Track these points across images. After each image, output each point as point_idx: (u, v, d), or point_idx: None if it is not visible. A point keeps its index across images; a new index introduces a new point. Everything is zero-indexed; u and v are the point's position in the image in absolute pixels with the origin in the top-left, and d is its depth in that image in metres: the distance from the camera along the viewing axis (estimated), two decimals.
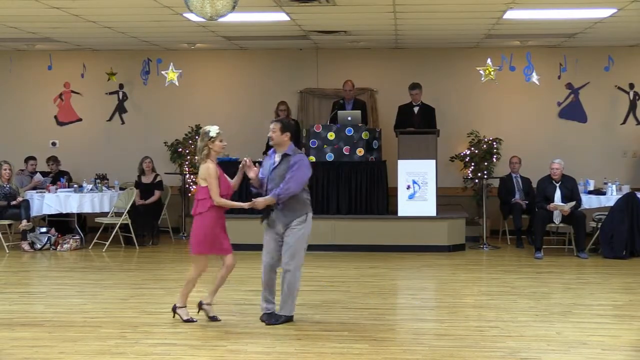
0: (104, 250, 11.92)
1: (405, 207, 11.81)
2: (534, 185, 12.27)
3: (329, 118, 12.79)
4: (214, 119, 14.06)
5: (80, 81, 14.51)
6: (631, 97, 13.85)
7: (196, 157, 7.35)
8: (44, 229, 12.23)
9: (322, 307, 7.95)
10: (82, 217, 13.09)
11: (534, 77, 12.90)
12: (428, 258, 11.22)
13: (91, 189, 12.48)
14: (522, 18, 10.89)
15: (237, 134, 13.94)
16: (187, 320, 7.22)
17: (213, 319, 7.29)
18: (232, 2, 7.29)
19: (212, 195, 7.08)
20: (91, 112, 14.60)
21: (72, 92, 14.58)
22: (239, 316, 7.51)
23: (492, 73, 12.26)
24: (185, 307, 7.29)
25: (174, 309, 7.32)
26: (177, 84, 13.13)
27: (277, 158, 7.21)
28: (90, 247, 12.17)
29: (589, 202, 11.85)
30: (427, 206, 11.76)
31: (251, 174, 7.18)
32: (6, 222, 12.17)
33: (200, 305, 7.35)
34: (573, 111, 13.92)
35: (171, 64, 13.18)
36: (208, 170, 7.08)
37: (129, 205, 12.14)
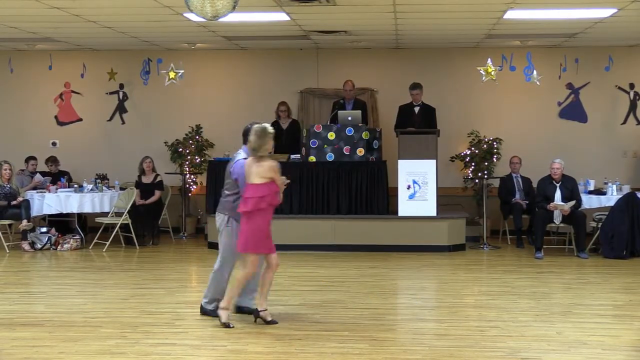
0: (104, 250, 11.93)
1: (405, 207, 11.81)
2: (534, 185, 12.27)
3: (329, 118, 12.79)
4: (214, 119, 14.15)
5: (80, 81, 14.51)
6: (631, 97, 13.85)
7: (254, 154, 7.13)
8: (44, 229, 12.24)
9: (322, 307, 7.95)
10: (82, 217, 13.09)
11: (535, 77, 12.91)
12: (428, 258, 11.22)
13: (91, 189, 12.48)
14: (522, 18, 10.88)
15: (237, 134, 13.89)
16: (225, 325, 7.06)
17: (272, 322, 7.16)
18: (232, 2, 7.29)
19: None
20: (91, 112, 14.60)
21: (73, 92, 14.58)
22: (240, 316, 7.50)
23: (492, 73, 12.26)
24: (228, 309, 7.18)
25: (205, 313, 7.28)
26: (176, 82, 13.12)
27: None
28: (90, 247, 12.17)
29: (589, 202, 11.85)
30: (427, 206, 11.76)
31: None
32: (6, 222, 12.18)
33: (257, 315, 7.19)
34: (573, 111, 13.92)
35: (172, 64, 13.19)
36: (275, 168, 7.07)
37: (129, 205, 12.14)
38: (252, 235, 7.02)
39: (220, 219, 7.42)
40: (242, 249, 7.11)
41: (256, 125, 7.19)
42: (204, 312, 7.51)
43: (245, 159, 7.31)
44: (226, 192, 7.43)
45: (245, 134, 7.40)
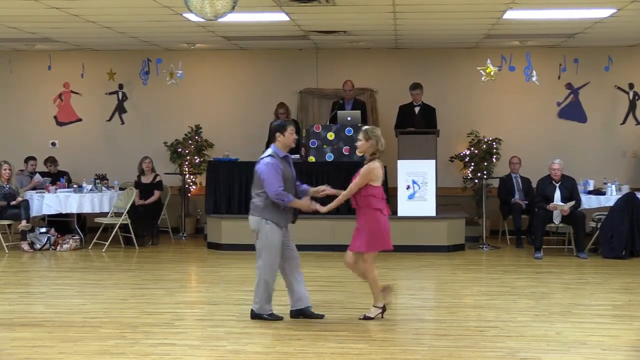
0: (103, 251, 11.92)
1: (405, 207, 11.80)
2: (534, 185, 12.28)
3: (329, 118, 12.79)
4: (214, 119, 14.15)
5: (80, 81, 14.50)
6: (631, 97, 13.84)
7: (367, 155, 7.27)
8: (43, 229, 12.22)
9: (321, 307, 7.93)
10: (81, 217, 13.07)
11: (534, 77, 12.90)
12: (428, 258, 11.21)
13: (91, 189, 12.47)
14: (522, 18, 10.88)
15: (237, 135, 13.97)
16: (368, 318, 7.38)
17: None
18: (231, 2, 7.29)
19: (353, 188, 7.22)
20: (91, 112, 14.60)
21: (72, 92, 14.58)
22: (239, 316, 7.51)
23: (491, 73, 12.24)
24: (379, 307, 7.42)
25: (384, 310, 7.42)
26: (176, 82, 13.13)
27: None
28: (89, 247, 12.17)
29: (588, 202, 11.85)
30: (426, 206, 11.76)
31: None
32: (6, 222, 12.17)
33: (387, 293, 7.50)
34: (573, 111, 13.92)
35: (171, 65, 13.21)
36: (370, 169, 7.23)
37: (129, 206, 12.14)
38: (379, 234, 7.27)
39: (255, 221, 7.33)
40: (371, 249, 7.30)
41: (375, 128, 7.39)
42: (255, 316, 7.37)
43: (271, 156, 7.25)
44: (255, 192, 7.33)
45: (274, 131, 7.35)
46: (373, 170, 7.23)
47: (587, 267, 10.57)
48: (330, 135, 12.04)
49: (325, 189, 7.48)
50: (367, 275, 7.41)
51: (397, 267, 10.68)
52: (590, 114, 13.88)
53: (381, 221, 7.29)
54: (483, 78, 12.38)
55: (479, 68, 12.44)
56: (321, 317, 7.44)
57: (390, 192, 11.85)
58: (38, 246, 11.96)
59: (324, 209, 7.31)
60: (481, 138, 13.46)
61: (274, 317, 7.34)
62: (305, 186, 7.54)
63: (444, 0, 9.83)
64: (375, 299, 7.44)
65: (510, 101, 13.96)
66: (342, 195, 7.34)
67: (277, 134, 7.32)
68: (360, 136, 7.30)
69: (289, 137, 7.33)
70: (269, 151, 7.33)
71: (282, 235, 7.33)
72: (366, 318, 7.37)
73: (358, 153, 7.52)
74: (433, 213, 11.80)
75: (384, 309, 7.43)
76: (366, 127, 7.47)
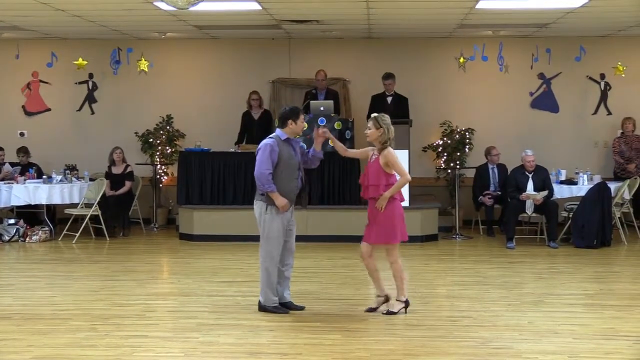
0: (73, 242, 11.79)
1: None
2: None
3: (302, 108, 12.72)
4: (185, 109, 14.04)
5: (48, 70, 14.29)
6: (602, 88, 13.91)
7: (377, 143, 7.17)
8: (12, 221, 12.06)
9: (294, 298, 7.88)
10: (51, 209, 12.92)
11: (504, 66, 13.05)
12: (401, 248, 11.02)
13: (60, 180, 12.32)
14: (495, 8, 10.90)
15: (209, 124, 13.87)
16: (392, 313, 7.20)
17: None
18: None
19: (404, 175, 7.20)
20: (60, 102, 14.41)
21: (41, 81, 14.37)
22: (211, 307, 7.46)
23: (463, 65, 12.20)
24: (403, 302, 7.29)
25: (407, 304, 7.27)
26: (146, 70, 13.05)
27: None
28: (60, 239, 12.04)
29: (560, 192, 11.91)
30: None
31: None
32: None
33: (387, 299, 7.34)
34: (545, 101, 13.97)
35: (142, 54, 13.08)
36: (394, 154, 7.14)
37: (99, 196, 12.01)
38: (401, 223, 7.36)
39: (257, 207, 7.27)
40: (395, 239, 7.34)
41: (385, 116, 7.23)
42: (261, 308, 7.28)
43: (272, 138, 7.23)
44: None
45: (286, 117, 7.31)
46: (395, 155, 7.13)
47: (559, 257, 10.63)
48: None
49: (325, 131, 7.45)
50: (393, 267, 7.30)
51: None
52: (562, 104, 13.93)
53: (401, 210, 7.33)
54: (459, 67, 12.30)
55: (457, 57, 12.33)
56: (302, 308, 7.38)
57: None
58: (7, 238, 11.81)
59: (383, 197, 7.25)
60: (454, 128, 13.47)
61: (279, 311, 7.23)
62: (310, 150, 7.59)
63: None
64: (399, 292, 7.30)
65: (483, 91, 13.98)
66: (395, 186, 7.28)
67: (289, 121, 7.30)
68: (370, 124, 7.17)
69: (300, 125, 7.38)
70: (273, 134, 7.33)
71: (284, 221, 7.24)
72: (389, 313, 7.20)
73: (367, 140, 7.38)
74: (406, 203, 11.74)
75: (407, 303, 7.28)
76: (375, 114, 7.26)
